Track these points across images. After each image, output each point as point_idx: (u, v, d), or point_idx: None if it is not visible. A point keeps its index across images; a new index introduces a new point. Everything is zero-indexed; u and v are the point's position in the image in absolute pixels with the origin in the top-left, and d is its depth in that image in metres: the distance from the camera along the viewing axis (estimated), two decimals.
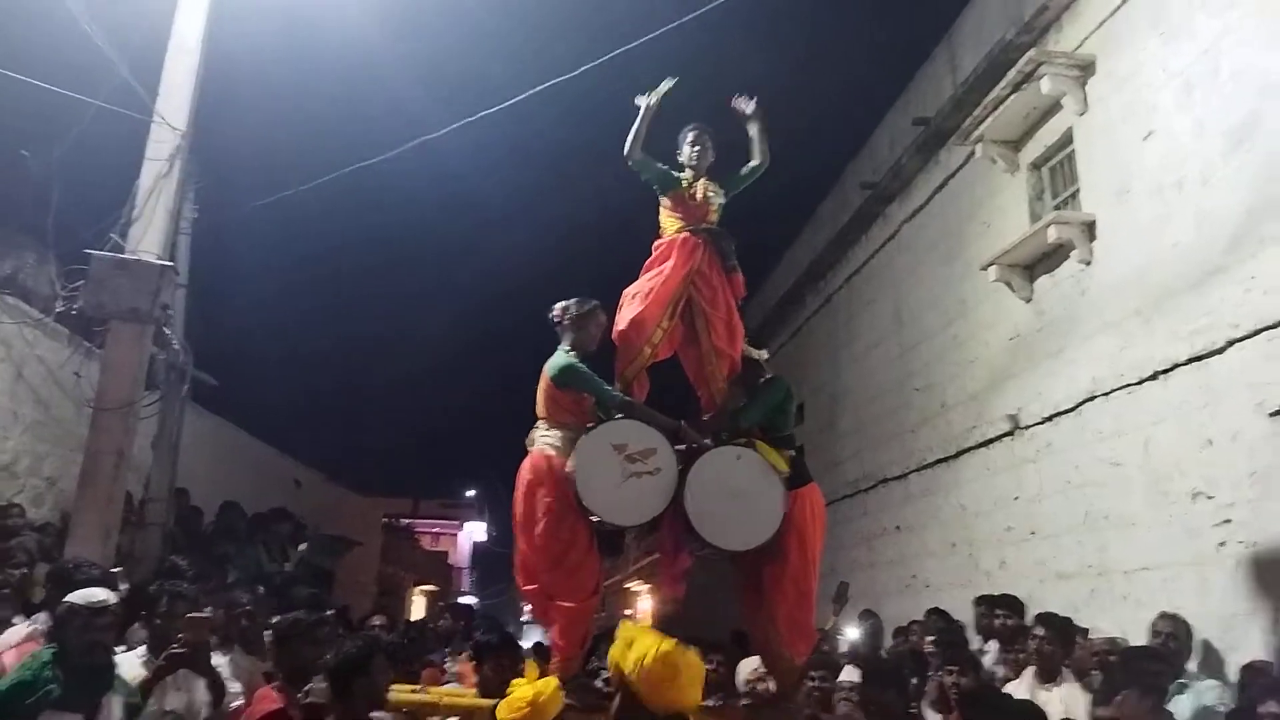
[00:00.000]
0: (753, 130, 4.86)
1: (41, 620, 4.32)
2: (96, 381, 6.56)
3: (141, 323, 6.14)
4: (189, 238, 8.23)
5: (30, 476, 8.88)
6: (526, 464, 4.38)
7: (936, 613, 7.30)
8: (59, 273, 7.99)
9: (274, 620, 4.24)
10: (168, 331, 7.30)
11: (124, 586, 5.04)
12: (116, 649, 3.88)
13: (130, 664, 3.90)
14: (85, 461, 6.03)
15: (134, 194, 6.37)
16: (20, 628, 4.25)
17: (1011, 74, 7.61)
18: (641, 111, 4.69)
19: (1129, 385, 6.56)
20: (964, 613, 7.03)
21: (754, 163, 4.88)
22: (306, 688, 3.72)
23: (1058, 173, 7.98)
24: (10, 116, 7.90)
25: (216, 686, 3.95)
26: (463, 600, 28.97)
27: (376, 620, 5.96)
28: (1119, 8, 6.91)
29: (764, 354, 4.83)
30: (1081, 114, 7.32)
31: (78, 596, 3.51)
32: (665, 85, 4.71)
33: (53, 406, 8.99)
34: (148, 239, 6.26)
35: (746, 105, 4.87)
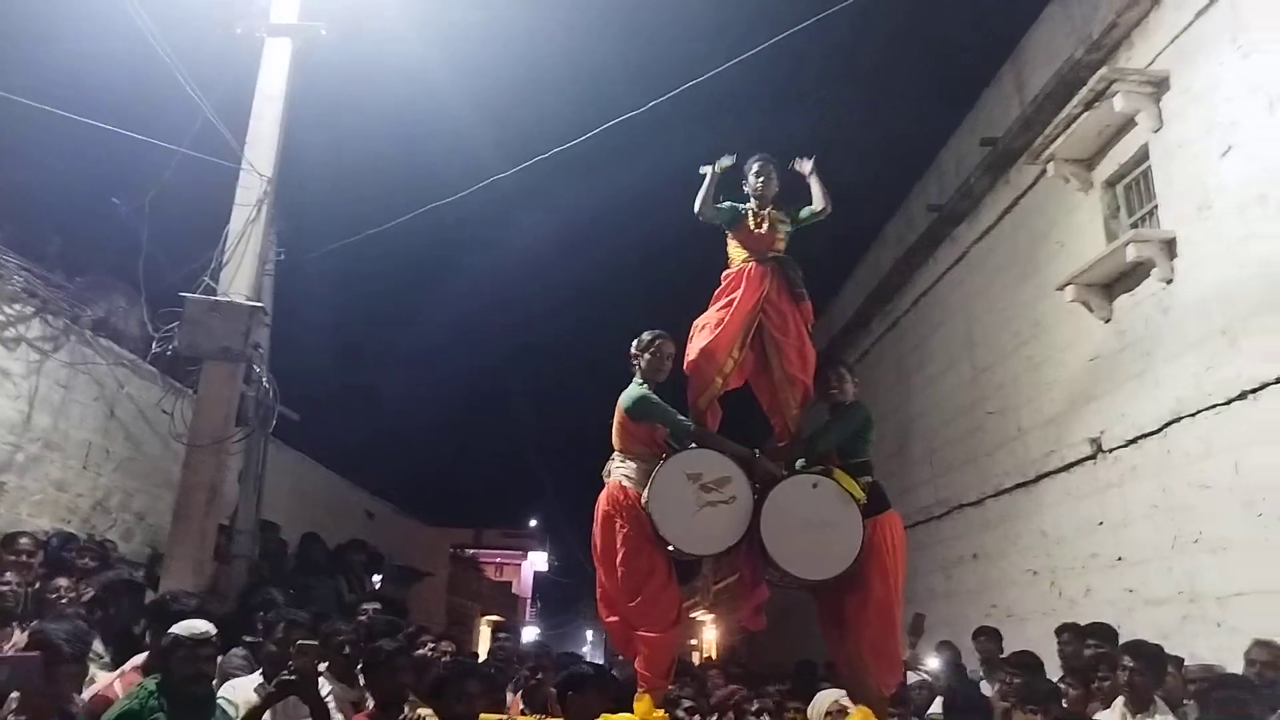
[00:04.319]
0: (813, 184, 4.90)
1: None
2: (186, 418, 6.76)
3: (233, 361, 6.34)
4: (273, 278, 8.48)
5: (121, 512, 9.21)
6: (603, 496, 4.43)
7: (985, 633, 7.27)
8: (149, 315, 8.32)
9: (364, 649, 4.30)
10: (256, 369, 7.53)
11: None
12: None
13: (244, 689, 3.98)
14: (179, 497, 6.22)
15: (224, 238, 6.61)
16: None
17: (1083, 92, 7.52)
18: (707, 178, 4.80)
19: (1217, 405, 6.38)
20: (1049, 643, 6.83)
21: (815, 207, 4.88)
22: (401, 717, 3.77)
23: (1133, 190, 7.83)
24: (102, 164, 8.30)
25: (320, 715, 3.99)
26: (525, 631, 29.05)
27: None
28: (1192, 23, 6.78)
29: (854, 390, 4.81)
30: (1157, 130, 7.18)
31: (181, 628, 3.59)
32: (725, 161, 4.85)
33: (142, 444, 9.32)
34: (238, 281, 6.49)
35: (805, 166, 4.93)
